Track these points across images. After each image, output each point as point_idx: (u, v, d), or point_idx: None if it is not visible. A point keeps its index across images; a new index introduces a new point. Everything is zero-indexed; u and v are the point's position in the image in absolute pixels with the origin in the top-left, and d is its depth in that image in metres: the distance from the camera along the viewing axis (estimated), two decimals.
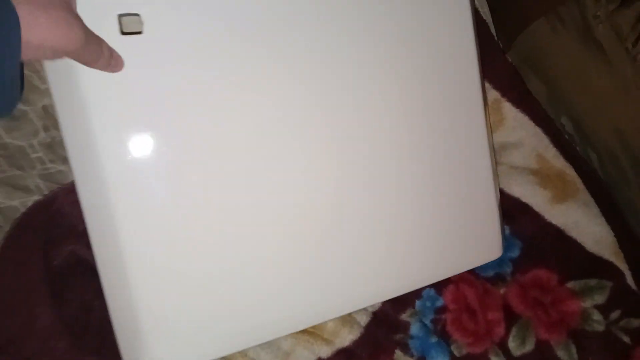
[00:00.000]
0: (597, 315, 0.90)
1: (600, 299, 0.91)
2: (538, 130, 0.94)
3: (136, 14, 0.53)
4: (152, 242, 0.58)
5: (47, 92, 0.63)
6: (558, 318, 0.90)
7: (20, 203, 0.68)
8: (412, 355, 0.84)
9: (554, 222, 0.94)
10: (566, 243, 0.94)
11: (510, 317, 0.90)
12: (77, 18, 0.45)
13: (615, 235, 0.93)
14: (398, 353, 0.84)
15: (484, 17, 0.93)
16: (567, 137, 0.96)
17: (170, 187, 0.58)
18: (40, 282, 0.68)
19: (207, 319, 0.63)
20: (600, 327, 0.89)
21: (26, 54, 0.41)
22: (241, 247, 0.64)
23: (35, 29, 0.40)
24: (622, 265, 0.93)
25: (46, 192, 0.69)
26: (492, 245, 0.85)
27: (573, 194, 0.94)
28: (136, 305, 0.58)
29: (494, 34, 0.94)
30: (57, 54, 0.44)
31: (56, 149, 0.69)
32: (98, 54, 0.49)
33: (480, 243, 0.83)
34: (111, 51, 0.52)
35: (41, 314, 0.67)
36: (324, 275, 0.70)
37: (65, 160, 0.65)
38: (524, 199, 0.94)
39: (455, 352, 0.86)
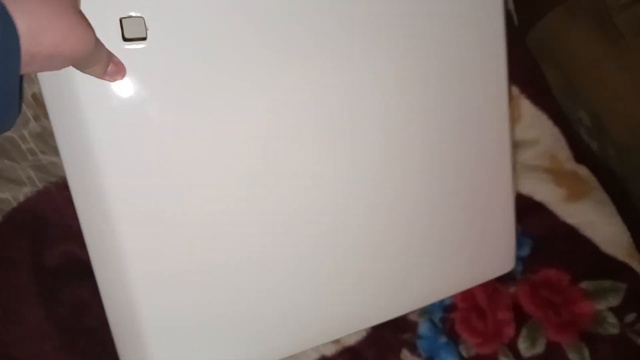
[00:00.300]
0: (611, 318, 0.87)
1: (614, 301, 0.88)
2: (555, 130, 0.91)
3: (140, 17, 0.48)
4: (152, 242, 0.53)
5: (36, 79, 0.60)
6: (570, 319, 0.87)
7: (12, 196, 0.65)
8: (419, 356, 0.81)
9: (567, 220, 0.91)
10: (579, 242, 0.91)
11: (521, 318, 0.87)
12: (86, 18, 0.41)
13: (632, 236, 0.90)
14: (405, 353, 0.81)
15: (507, 7, 0.89)
16: (583, 132, 0.93)
17: (172, 183, 0.54)
18: (31, 282, 0.65)
19: (213, 326, 0.59)
20: (614, 330, 0.86)
21: (32, 67, 0.37)
22: (250, 250, 0.59)
23: (46, 38, 0.37)
24: (638, 267, 0.90)
25: (39, 184, 0.66)
26: (504, 257, 0.81)
27: (588, 192, 0.91)
28: (135, 308, 0.55)
29: (516, 23, 0.91)
30: (67, 62, 0.40)
31: (47, 139, 0.66)
32: (99, 58, 0.45)
33: (493, 255, 0.79)
34: (110, 56, 0.47)
35: (31, 315, 0.64)
36: (329, 291, 0.66)
37: (57, 151, 0.62)
38: (537, 197, 0.91)
39: (464, 353, 0.83)
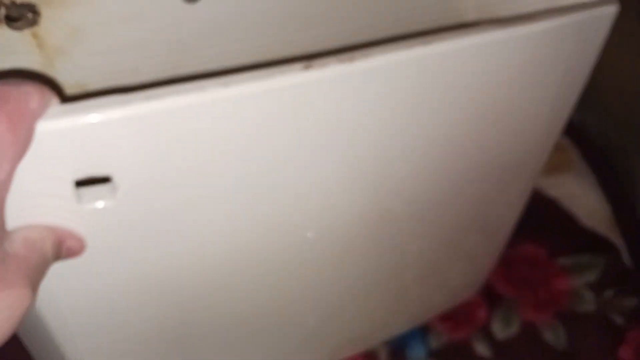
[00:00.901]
0: (588, 295, 0.84)
1: (592, 276, 0.84)
2: None
3: (105, 178, 0.34)
4: None
5: None
6: (545, 297, 0.83)
7: None
8: (389, 346, 0.78)
9: (545, 193, 0.87)
10: (558, 216, 0.87)
11: (493, 297, 0.83)
12: (17, 282, 0.30)
13: (612, 209, 0.86)
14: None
15: None
16: None
17: None
18: None
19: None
20: (591, 308, 0.83)
21: None
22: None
23: None
24: (618, 241, 0.85)
25: None
26: (474, 281, 0.76)
27: (568, 163, 0.86)
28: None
29: None
30: None
31: None
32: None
33: (467, 281, 0.75)
34: (59, 246, 0.34)
35: None
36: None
37: None
38: None
39: (435, 340, 0.80)
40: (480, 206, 0.61)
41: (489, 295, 0.83)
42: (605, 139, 0.87)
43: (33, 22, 0.51)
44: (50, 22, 0.50)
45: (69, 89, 0.50)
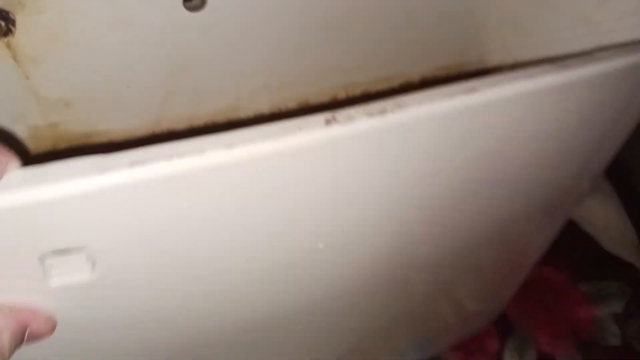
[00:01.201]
0: (612, 326, 0.78)
1: (617, 306, 0.79)
2: None
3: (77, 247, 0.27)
4: None
5: None
6: (565, 328, 0.78)
7: None
8: None
9: None
10: (580, 240, 0.81)
11: (507, 326, 0.78)
12: None
13: (637, 233, 0.80)
14: None
15: None
16: None
17: None
18: None
19: None
20: (616, 341, 0.77)
21: None
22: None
23: None
24: None
25: None
26: (491, 312, 0.71)
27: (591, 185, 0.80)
28: None
29: None
30: None
31: None
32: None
33: (482, 311, 0.69)
34: (22, 334, 0.28)
35: None
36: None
37: None
38: None
39: None
40: (510, 248, 0.55)
41: (503, 323, 0.77)
42: (631, 160, 0.81)
43: (7, 32, 0.45)
44: (25, 29, 0.44)
45: (48, 104, 0.44)
